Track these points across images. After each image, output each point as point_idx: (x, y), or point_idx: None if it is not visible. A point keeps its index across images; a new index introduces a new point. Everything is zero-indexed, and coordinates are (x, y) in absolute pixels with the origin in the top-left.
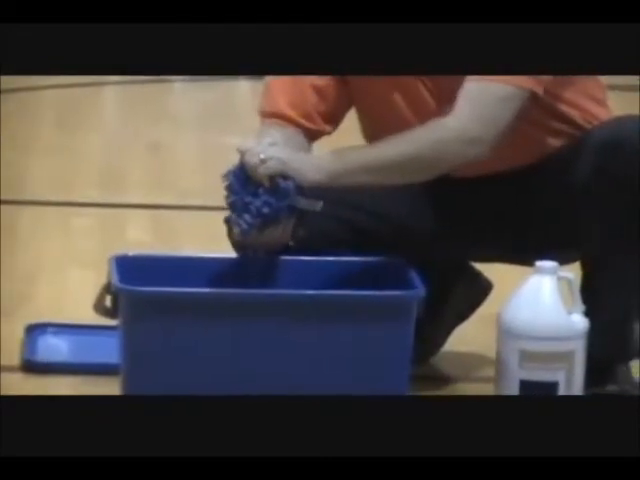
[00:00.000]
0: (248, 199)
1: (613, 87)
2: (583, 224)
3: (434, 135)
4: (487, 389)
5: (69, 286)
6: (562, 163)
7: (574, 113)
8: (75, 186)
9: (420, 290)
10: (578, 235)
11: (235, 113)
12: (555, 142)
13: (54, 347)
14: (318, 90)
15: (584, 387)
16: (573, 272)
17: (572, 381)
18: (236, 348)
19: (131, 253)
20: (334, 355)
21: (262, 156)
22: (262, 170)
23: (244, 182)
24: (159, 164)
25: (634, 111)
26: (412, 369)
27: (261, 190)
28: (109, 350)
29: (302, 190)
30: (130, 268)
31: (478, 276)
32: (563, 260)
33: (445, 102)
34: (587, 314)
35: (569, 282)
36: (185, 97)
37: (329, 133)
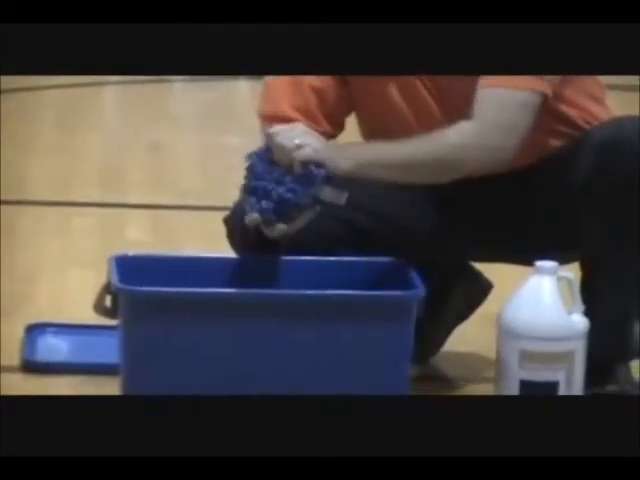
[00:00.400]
0: (271, 185)
1: (613, 87)
2: (583, 224)
3: (460, 141)
4: (487, 389)
5: (69, 286)
6: (562, 163)
7: (573, 112)
8: (75, 186)
9: (420, 290)
10: (578, 235)
11: (235, 113)
12: (554, 142)
13: (54, 347)
14: (318, 91)
15: (584, 387)
16: (573, 272)
17: (572, 381)
18: (236, 348)
19: (131, 253)
20: (334, 355)
21: (297, 141)
22: (297, 155)
23: (268, 166)
24: (159, 164)
25: (634, 111)
26: (412, 369)
27: (287, 177)
28: (109, 350)
29: (330, 180)
30: (130, 268)
31: (478, 276)
32: (563, 260)
33: (444, 102)
34: (587, 314)
35: (569, 282)
36: (185, 97)
37: (334, 136)
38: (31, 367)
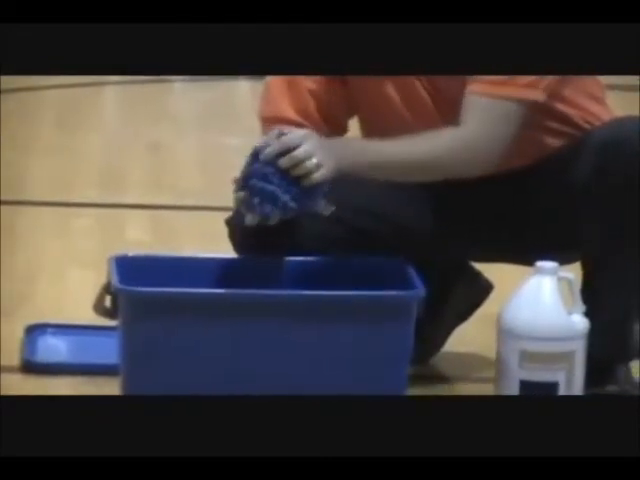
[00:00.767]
0: (279, 192)
1: (613, 87)
2: (583, 224)
3: (446, 145)
4: (487, 389)
5: (69, 286)
6: (562, 163)
7: (572, 112)
8: (75, 186)
9: (420, 290)
10: (578, 235)
11: (235, 113)
12: (553, 142)
13: (54, 347)
14: (318, 94)
15: (584, 387)
16: (573, 272)
17: (572, 381)
18: (236, 348)
19: (131, 253)
20: (334, 355)
21: (315, 160)
22: (316, 177)
23: (274, 170)
24: (159, 164)
25: (634, 111)
26: (412, 369)
27: (295, 187)
28: (109, 350)
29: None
30: (130, 268)
31: (478, 276)
32: (563, 260)
33: (442, 102)
34: (587, 314)
35: (569, 282)
36: (185, 97)
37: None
38: (31, 367)
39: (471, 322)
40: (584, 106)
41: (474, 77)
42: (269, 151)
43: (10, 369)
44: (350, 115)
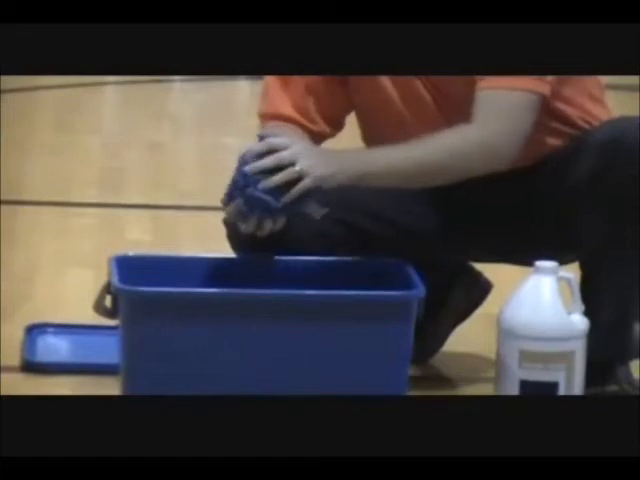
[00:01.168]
0: (266, 197)
1: (613, 87)
2: (583, 224)
3: (461, 146)
4: (487, 389)
5: (69, 286)
6: (562, 163)
7: (572, 112)
8: (74, 186)
9: (420, 290)
10: (578, 235)
11: (235, 113)
12: (553, 142)
13: (54, 347)
14: (316, 92)
15: (584, 387)
16: (573, 272)
17: (572, 381)
18: (236, 348)
19: (131, 253)
20: (334, 355)
21: (298, 167)
22: (299, 188)
23: (262, 177)
24: (159, 164)
25: (634, 111)
26: (412, 369)
27: (281, 196)
28: (109, 350)
29: (315, 195)
30: (130, 268)
31: (478, 276)
32: (563, 260)
33: (443, 101)
34: (587, 314)
35: (569, 282)
36: (185, 97)
37: (331, 136)
38: (31, 367)
39: (471, 322)
40: (584, 106)
41: (477, 77)
42: (256, 162)
43: (10, 369)
44: (348, 112)
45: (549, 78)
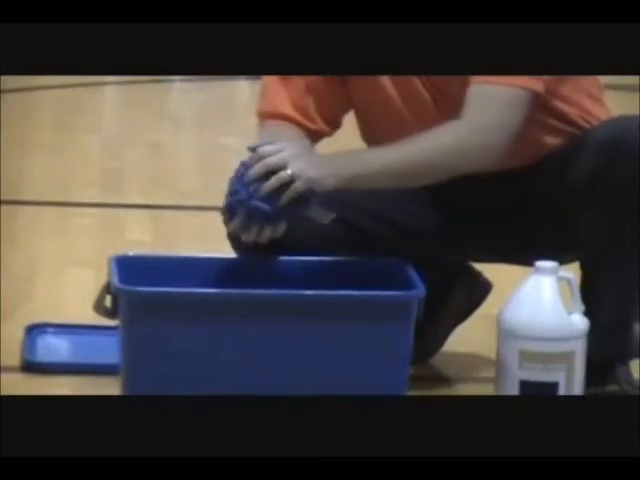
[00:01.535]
0: (264, 206)
1: (613, 87)
2: (583, 224)
3: (450, 142)
4: (487, 389)
5: (69, 286)
6: (562, 163)
7: (571, 110)
8: (74, 186)
9: (420, 290)
10: (578, 235)
11: (235, 113)
12: (553, 141)
13: (54, 347)
14: (315, 91)
15: (584, 387)
16: (573, 272)
17: (572, 381)
18: (236, 348)
19: (131, 253)
20: (334, 355)
21: (290, 171)
22: (291, 191)
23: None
24: (159, 164)
25: (634, 111)
26: (412, 369)
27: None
28: (109, 350)
29: (319, 200)
30: (130, 268)
31: (478, 276)
32: (563, 260)
33: (440, 98)
34: (587, 314)
35: (569, 282)
36: (185, 97)
37: (329, 135)
38: (31, 367)
39: (471, 322)
40: (583, 105)
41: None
42: (252, 170)
43: (10, 369)
44: (347, 111)
45: (545, 77)
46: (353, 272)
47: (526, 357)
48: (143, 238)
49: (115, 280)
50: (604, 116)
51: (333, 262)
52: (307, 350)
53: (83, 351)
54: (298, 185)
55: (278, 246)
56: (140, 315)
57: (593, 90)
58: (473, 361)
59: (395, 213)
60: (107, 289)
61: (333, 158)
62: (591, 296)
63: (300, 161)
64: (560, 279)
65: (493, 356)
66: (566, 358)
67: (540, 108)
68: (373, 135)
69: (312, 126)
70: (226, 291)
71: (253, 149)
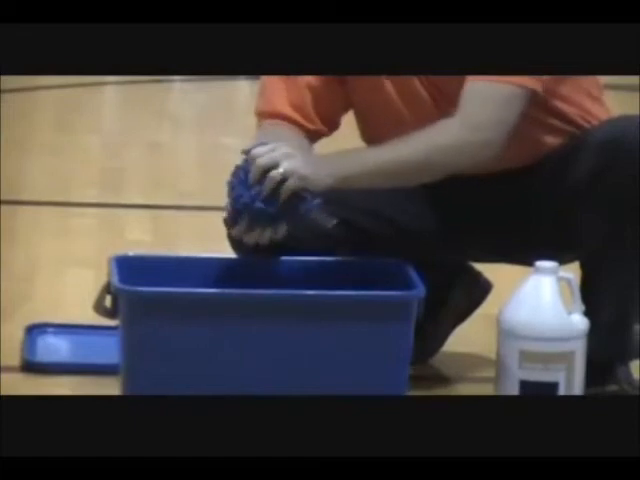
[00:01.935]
0: (271, 208)
1: (613, 87)
2: (583, 224)
3: (444, 140)
4: (487, 389)
5: (68, 286)
6: (561, 163)
7: (571, 110)
8: (74, 186)
9: (420, 290)
10: (578, 235)
11: (235, 113)
12: (552, 140)
13: (54, 347)
14: (314, 90)
15: (584, 387)
16: (573, 272)
17: (572, 381)
18: (236, 348)
19: (131, 253)
20: (334, 355)
21: (282, 170)
22: (285, 189)
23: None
24: (159, 164)
25: (634, 111)
26: (412, 369)
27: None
28: (109, 350)
29: (320, 204)
30: (130, 268)
31: (478, 276)
32: (563, 260)
33: (440, 97)
34: (587, 314)
35: (569, 282)
36: (185, 97)
37: (327, 135)
38: (31, 367)
39: (471, 322)
40: (582, 104)
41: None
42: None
43: (10, 369)
44: (345, 111)
45: (544, 77)
46: (353, 272)
47: (526, 357)
48: (143, 238)
49: (115, 280)
50: (604, 116)
51: (333, 262)
52: (307, 350)
53: (83, 351)
54: (290, 183)
55: (280, 248)
56: (140, 315)
57: (593, 90)
58: (473, 361)
59: (395, 213)
60: (107, 289)
61: (328, 157)
62: (591, 296)
63: (291, 159)
64: (560, 279)
65: (493, 356)
66: (566, 358)
67: (540, 108)
68: (372, 135)
69: (310, 126)
70: (226, 291)
71: (247, 152)
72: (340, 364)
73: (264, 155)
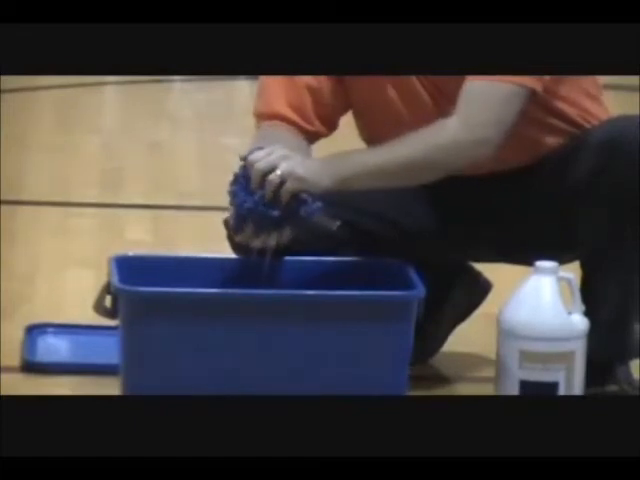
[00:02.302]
0: (275, 212)
1: (613, 87)
2: (583, 224)
3: (442, 139)
4: (487, 389)
5: (68, 286)
6: (561, 163)
7: (570, 110)
8: (74, 186)
9: (420, 290)
10: (578, 235)
11: (235, 113)
12: (552, 140)
13: (54, 347)
14: (314, 91)
15: (584, 387)
16: (573, 272)
17: (572, 381)
18: (236, 348)
19: (131, 253)
20: (334, 355)
21: (279, 172)
22: (283, 192)
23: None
24: (159, 164)
25: (634, 111)
26: (412, 369)
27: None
28: (109, 350)
29: (323, 207)
30: (130, 268)
31: (478, 276)
32: (563, 260)
33: (440, 97)
34: (587, 314)
35: (569, 282)
36: (185, 97)
37: (326, 136)
38: (31, 367)
39: (471, 322)
40: (582, 104)
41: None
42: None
43: (10, 369)
44: (344, 112)
45: (544, 76)
46: (353, 272)
47: (526, 357)
48: (143, 238)
49: (115, 280)
50: (603, 116)
51: (334, 262)
52: (307, 350)
53: (83, 351)
54: (289, 185)
55: (285, 251)
56: (140, 315)
57: (591, 89)
58: (473, 361)
59: (399, 214)
60: (107, 289)
61: (326, 159)
62: (591, 296)
63: (288, 161)
64: (560, 279)
65: (493, 356)
66: (566, 358)
67: (540, 108)
68: (372, 135)
69: (309, 127)
70: (226, 291)
71: (244, 158)
72: (340, 364)
73: (262, 159)
